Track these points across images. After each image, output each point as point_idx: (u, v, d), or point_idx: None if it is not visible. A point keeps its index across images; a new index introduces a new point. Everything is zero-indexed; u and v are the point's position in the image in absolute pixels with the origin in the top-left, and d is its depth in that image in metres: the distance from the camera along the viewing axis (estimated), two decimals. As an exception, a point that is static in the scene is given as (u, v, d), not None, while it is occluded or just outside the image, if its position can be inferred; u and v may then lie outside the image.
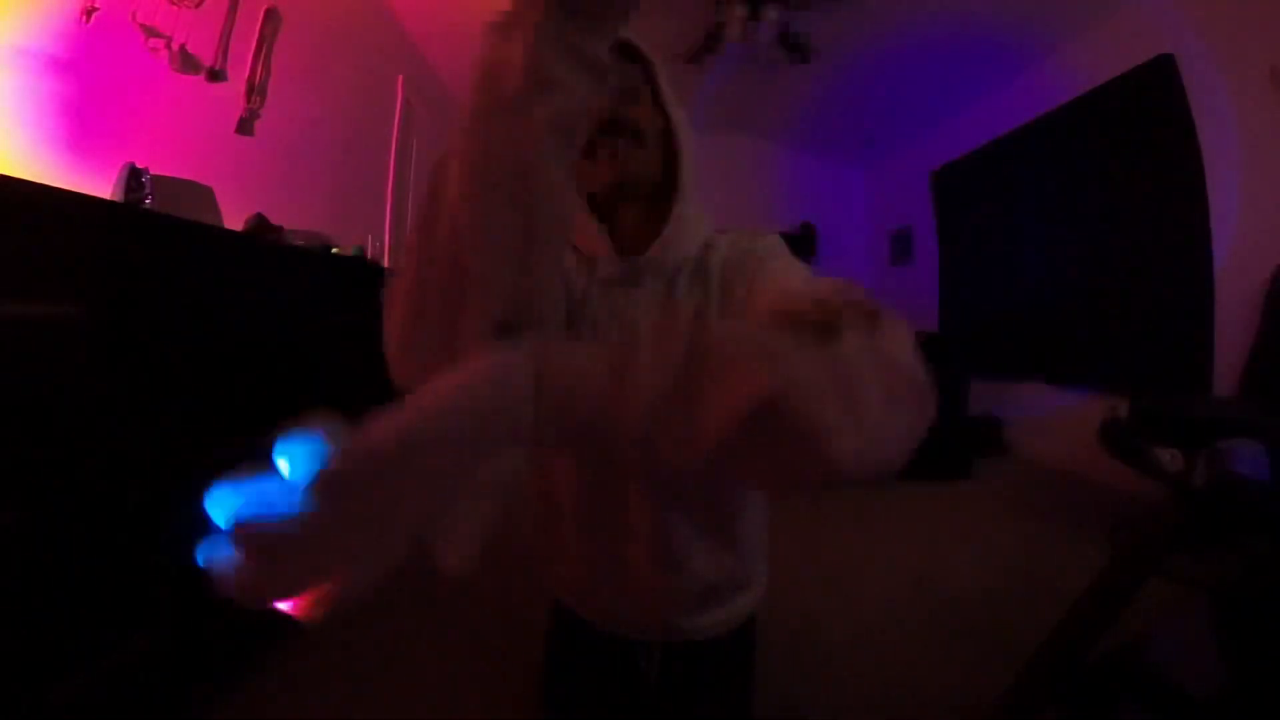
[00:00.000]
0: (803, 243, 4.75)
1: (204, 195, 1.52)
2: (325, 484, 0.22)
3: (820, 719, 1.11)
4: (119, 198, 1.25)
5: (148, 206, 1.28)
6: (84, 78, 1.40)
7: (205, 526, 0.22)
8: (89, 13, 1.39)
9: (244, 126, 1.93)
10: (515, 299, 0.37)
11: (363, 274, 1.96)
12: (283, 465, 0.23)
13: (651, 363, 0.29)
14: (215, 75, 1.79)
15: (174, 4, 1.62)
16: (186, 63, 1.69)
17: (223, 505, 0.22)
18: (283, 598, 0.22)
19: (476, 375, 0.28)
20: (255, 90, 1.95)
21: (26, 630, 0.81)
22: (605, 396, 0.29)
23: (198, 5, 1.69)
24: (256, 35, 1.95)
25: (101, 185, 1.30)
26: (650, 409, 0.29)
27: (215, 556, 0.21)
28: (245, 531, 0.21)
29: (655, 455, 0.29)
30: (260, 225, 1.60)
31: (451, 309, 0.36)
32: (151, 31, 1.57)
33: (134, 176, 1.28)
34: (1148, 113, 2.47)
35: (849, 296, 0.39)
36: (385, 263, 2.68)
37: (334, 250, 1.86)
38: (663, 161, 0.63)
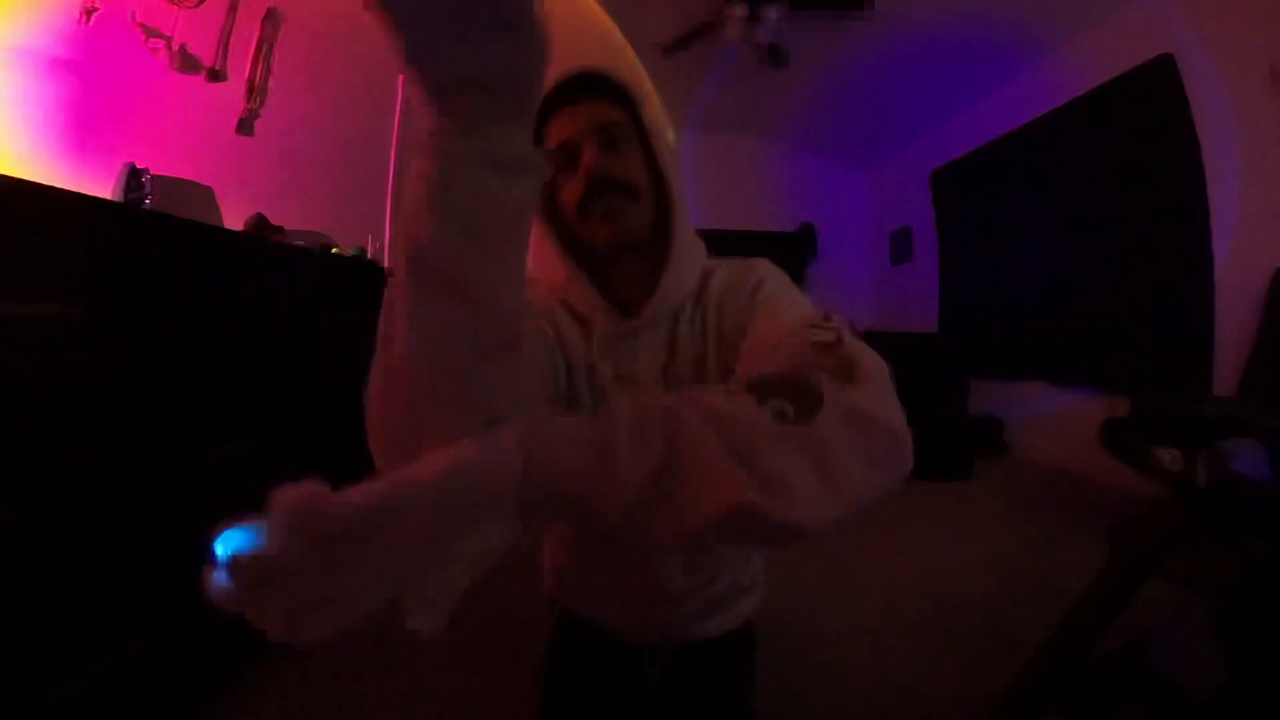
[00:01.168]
0: (803, 243, 4.75)
1: (204, 195, 1.52)
2: (296, 530, 0.24)
3: (821, 718, 1.11)
4: (119, 198, 1.25)
5: (148, 206, 1.28)
6: (84, 78, 1.40)
7: (209, 546, 0.25)
8: (89, 13, 1.39)
9: (244, 126, 1.93)
10: (480, 401, 0.36)
11: (363, 274, 1.96)
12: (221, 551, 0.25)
13: (632, 455, 0.32)
14: (215, 75, 1.79)
15: (174, 4, 1.62)
16: (186, 63, 1.69)
17: (228, 542, 0.24)
18: (272, 626, 0.26)
19: (463, 459, 0.29)
20: (255, 90, 1.95)
21: (25, 630, 0.81)
22: (591, 480, 0.32)
23: (198, 5, 1.69)
24: (256, 35, 1.96)
25: (101, 185, 1.30)
26: (632, 499, 0.32)
27: (217, 583, 0.25)
28: (236, 564, 0.24)
29: (640, 535, 0.33)
30: (260, 225, 1.60)
31: (417, 416, 0.35)
32: (151, 31, 1.57)
33: (134, 176, 1.28)
34: (1148, 113, 2.47)
35: (827, 338, 0.41)
36: (385, 263, 2.68)
37: (334, 250, 1.86)
38: (655, 207, 0.61)
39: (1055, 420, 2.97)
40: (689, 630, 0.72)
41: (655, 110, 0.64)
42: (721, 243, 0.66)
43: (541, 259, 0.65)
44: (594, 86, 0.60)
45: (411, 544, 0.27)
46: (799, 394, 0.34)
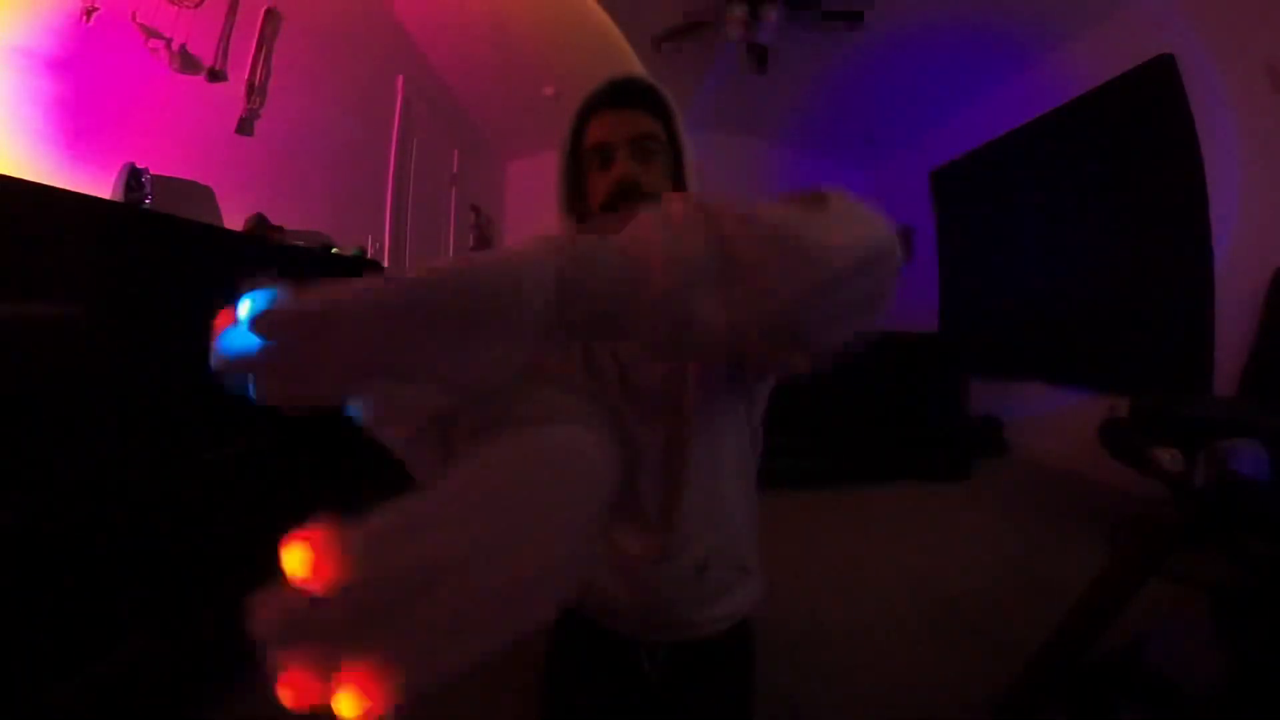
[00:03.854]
0: (803, 243, 4.75)
1: (204, 195, 1.52)
2: (277, 319, 0.25)
3: (821, 719, 1.11)
4: (119, 198, 1.25)
5: (148, 206, 1.28)
6: (84, 78, 1.40)
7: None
8: (89, 13, 1.39)
9: (244, 126, 1.93)
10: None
11: (363, 274, 1.96)
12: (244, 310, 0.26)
13: (675, 253, 0.31)
14: (215, 75, 1.79)
15: (174, 4, 1.62)
16: (186, 63, 1.69)
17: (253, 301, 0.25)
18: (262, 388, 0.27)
19: (491, 259, 0.28)
20: (255, 90, 1.95)
21: (26, 630, 0.81)
22: (629, 284, 0.31)
23: (198, 5, 1.69)
24: (256, 35, 1.95)
25: (101, 185, 1.30)
26: (681, 295, 0.30)
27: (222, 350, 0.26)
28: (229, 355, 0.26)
29: (683, 335, 0.32)
30: (260, 225, 1.60)
31: None
32: (151, 32, 1.57)
33: (134, 176, 1.28)
34: (1148, 113, 2.47)
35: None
36: (385, 263, 2.68)
37: (334, 250, 1.86)
38: None
39: (1055, 420, 2.97)
40: (682, 616, 0.70)
41: (684, 124, 0.65)
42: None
43: None
44: (636, 94, 0.62)
45: (408, 339, 0.26)
46: (808, 199, 0.37)
